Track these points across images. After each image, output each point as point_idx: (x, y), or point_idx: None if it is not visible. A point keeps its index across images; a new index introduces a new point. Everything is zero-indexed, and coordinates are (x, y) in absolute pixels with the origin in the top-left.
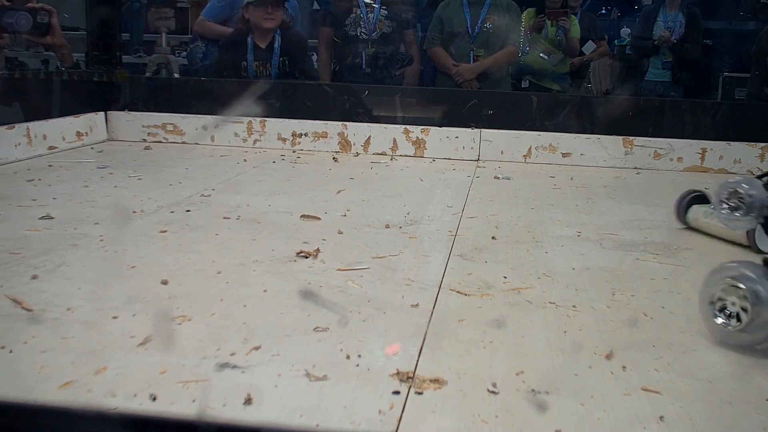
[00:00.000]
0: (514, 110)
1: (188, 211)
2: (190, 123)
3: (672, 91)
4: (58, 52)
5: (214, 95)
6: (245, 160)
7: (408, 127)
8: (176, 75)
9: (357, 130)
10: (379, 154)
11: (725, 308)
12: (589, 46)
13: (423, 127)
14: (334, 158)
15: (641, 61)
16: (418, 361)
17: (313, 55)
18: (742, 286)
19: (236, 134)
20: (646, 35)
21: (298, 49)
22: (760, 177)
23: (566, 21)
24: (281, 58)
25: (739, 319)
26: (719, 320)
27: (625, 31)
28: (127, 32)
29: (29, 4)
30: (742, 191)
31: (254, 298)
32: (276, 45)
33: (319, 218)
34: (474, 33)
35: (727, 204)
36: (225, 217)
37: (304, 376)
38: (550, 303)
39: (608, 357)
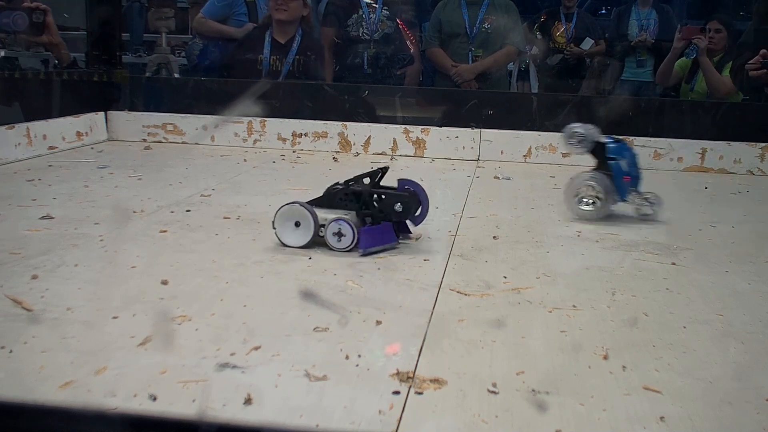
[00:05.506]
0: (514, 110)
1: (188, 211)
2: (190, 123)
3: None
4: (55, 50)
5: (214, 95)
6: (245, 160)
7: (408, 127)
8: (176, 75)
9: (357, 130)
10: (379, 154)
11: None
12: (587, 42)
13: (423, 127)
14: (334, 158)
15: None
16: (418, 361)
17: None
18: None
19: (236, 134)
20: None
21: (314, 53)
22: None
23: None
24: (297, 57)
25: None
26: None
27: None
28: (127, 32)
29: (24, 4)
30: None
31: (254, 298)
32: (294, 44)
33: None
34: (472, 33)
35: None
36: (225, 217)
37: (304, 376)
38: (550, 303)
39: (608, 357)
